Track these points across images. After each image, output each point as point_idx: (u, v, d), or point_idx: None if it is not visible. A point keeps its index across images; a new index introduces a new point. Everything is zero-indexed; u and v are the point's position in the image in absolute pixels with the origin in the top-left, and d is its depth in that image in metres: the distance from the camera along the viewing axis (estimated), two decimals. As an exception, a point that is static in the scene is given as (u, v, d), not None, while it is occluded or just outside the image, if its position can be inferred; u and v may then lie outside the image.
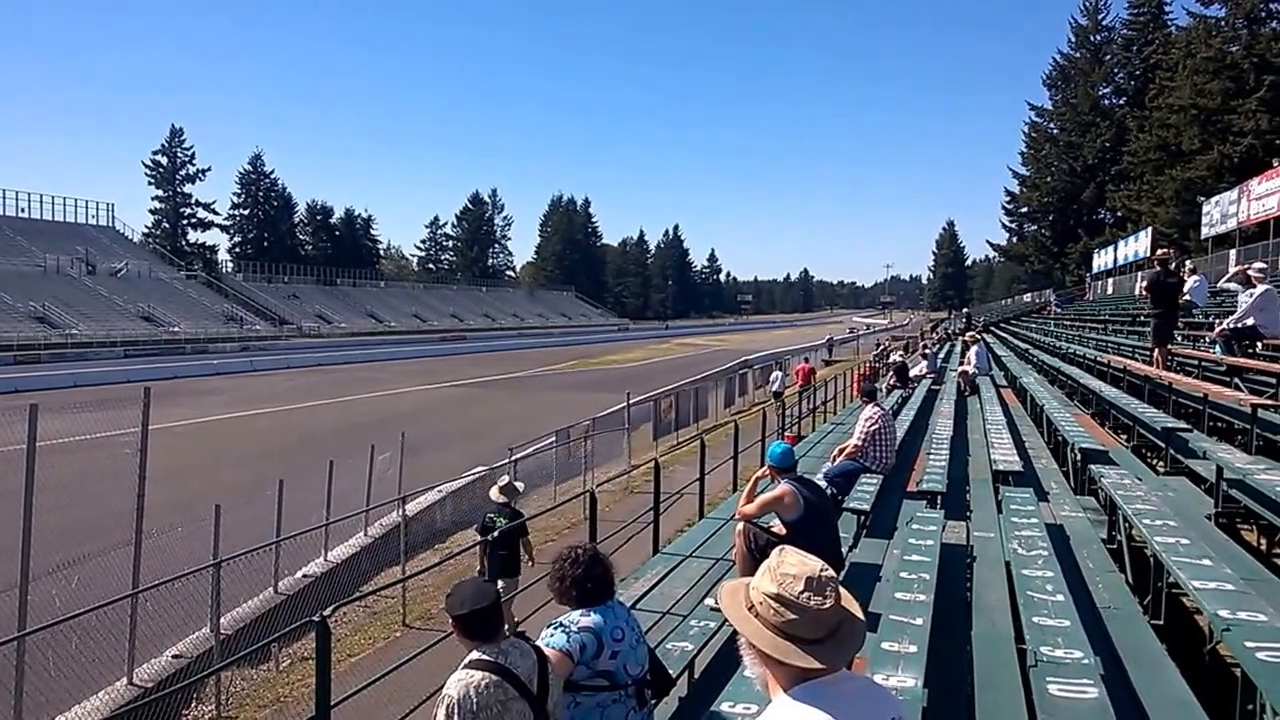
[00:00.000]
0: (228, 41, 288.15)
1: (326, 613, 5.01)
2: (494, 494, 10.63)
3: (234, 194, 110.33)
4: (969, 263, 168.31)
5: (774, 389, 32.21)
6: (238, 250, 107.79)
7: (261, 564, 11.34)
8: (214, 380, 46.01)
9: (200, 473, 18.62)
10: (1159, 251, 13.96)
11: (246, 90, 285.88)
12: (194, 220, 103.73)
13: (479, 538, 10.22)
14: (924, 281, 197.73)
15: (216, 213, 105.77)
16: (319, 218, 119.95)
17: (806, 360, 38.06)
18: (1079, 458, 9.53)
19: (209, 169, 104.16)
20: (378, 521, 14.87)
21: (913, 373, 22.64)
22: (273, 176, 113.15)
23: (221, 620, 9.92)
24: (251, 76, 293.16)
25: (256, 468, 18.38)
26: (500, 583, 9.27)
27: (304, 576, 12.75)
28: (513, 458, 16.06)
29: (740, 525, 6.20)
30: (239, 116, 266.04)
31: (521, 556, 10.20)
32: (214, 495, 10.86)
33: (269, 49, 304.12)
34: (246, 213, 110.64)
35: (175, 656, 9.71)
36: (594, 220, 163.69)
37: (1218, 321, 12.73)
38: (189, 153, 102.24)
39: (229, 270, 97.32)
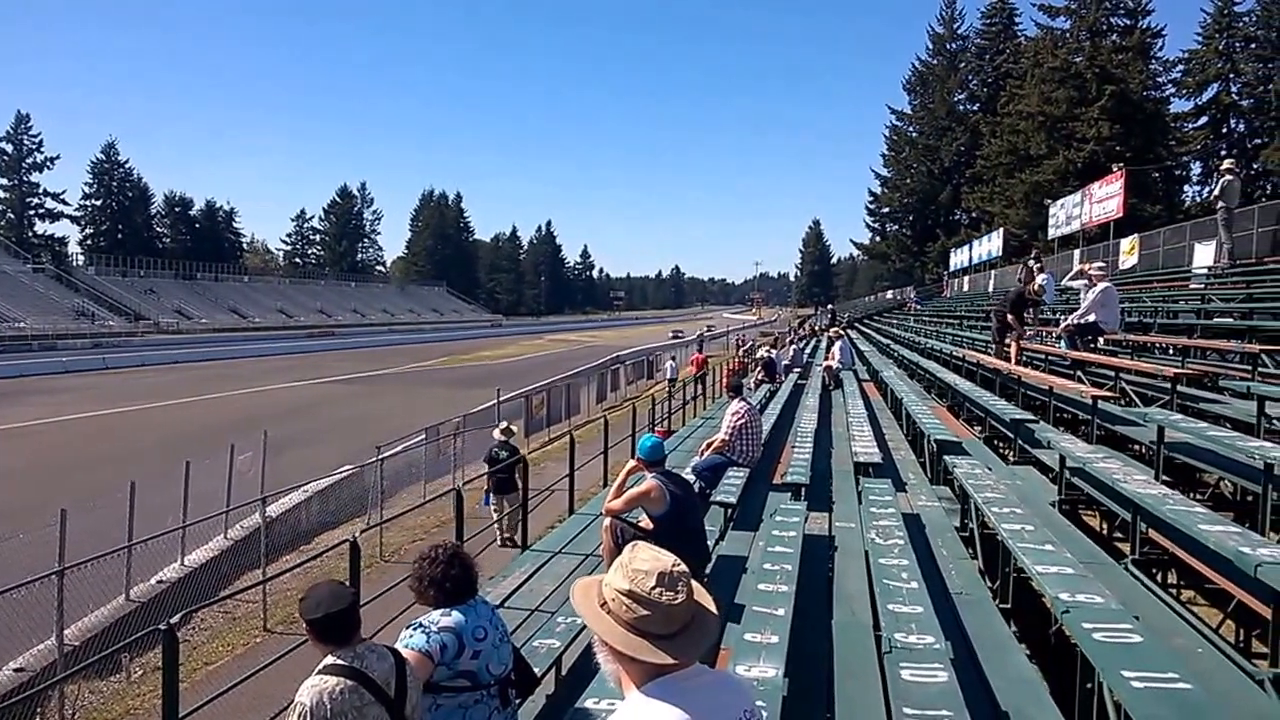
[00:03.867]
0: (81, 32, 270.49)
1: (174, 620, 4.76)
2: (496, 434, 13.82)
3: (85, 184, 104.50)
4: (834, 260, 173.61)
5: (669, 376, 35.06)
6: (90, 242, 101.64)
7: (113, 570, 10.77)
8: (63, 379, 43.68)
9: (46, 476, 17.58)
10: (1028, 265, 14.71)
11: (99, 81, 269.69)
12: (42, 211, 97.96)
13: (486, 467, 13.38)
14: (792, 278, 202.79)
15: (66, 203, 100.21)
16: (178, 209, 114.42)
17: (700, 350, 40.10)
18: (935, 449, 9.89)
19: (58, 157, 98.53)
20: (239, 524, 14.29)
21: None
22: (127, 166, 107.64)
23: (68, 631, 9.44)
24: (105, 67, 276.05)
25: (108, 470, 17.42)
26: (504, 499, 12.86)
27: (159, 582, 12.17)
28: (380, 456, 15.66)
29: (607, 521, 6.20)
30: (92, 106, 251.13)
31: (516, 481, 12.48)
32: (61, 499, 10.25)
33: (125, 41, 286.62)
34: (99, 203, 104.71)
35: (17, 670, 9.23)
36: (466, 215, 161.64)
37: (1062, 317, 13.42)
38: (36, 140, 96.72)
39: (80, 263, 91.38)
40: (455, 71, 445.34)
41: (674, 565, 1.85)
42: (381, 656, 3.19)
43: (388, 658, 3.21)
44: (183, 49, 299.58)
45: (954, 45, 75.41)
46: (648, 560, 1.85)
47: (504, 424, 14.36)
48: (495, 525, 12.62)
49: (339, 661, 3.11)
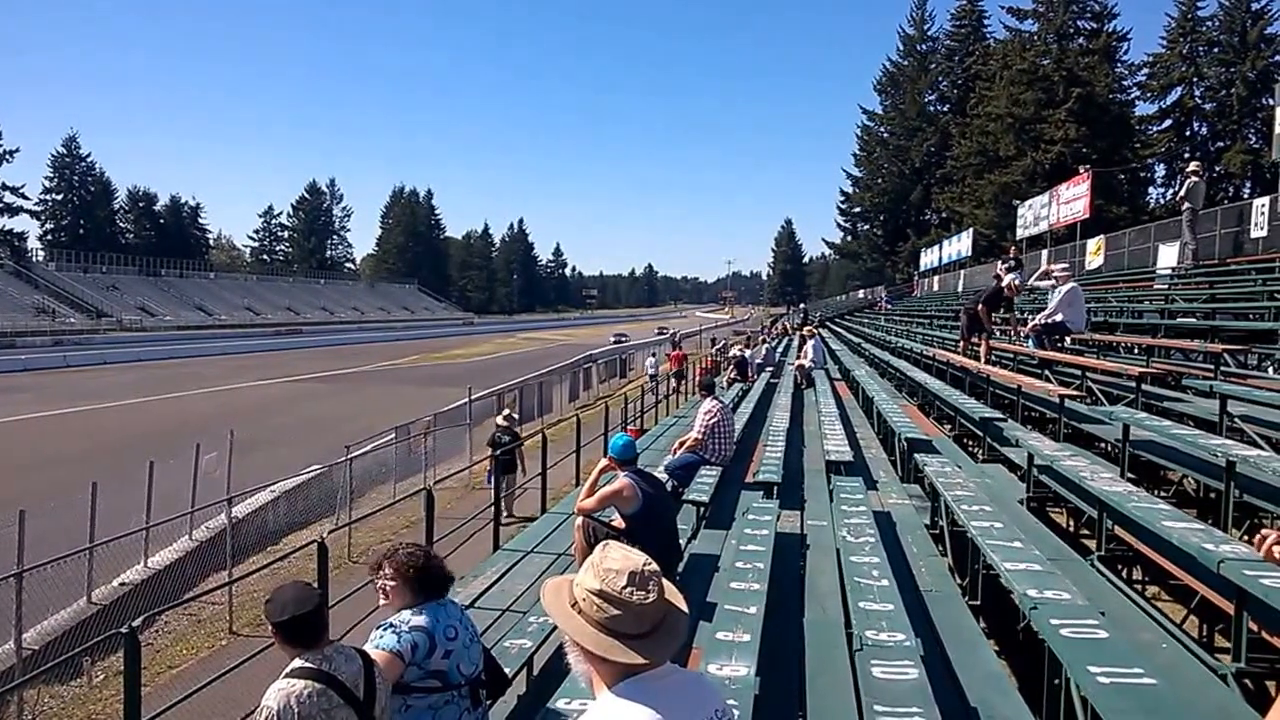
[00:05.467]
0: (41, 23, 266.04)
1: (136, 623, 4.69)
2: (498, 420, 15.44)
3: (46, 178, 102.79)
4: (807, 260, 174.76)
5: (650, 372, 36.12)
6: (50, 238, 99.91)
7: (74, 573, 10.55)
8: (22, 377, 43.00)
9: (4, 477, 17.21)
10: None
11: (60, 73, 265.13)
12: (0, 205, 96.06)
13: (489, 450, 14.22)
14: (764, 277, 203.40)
15: (26, 197, 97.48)
16: (142, 205, 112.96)
17: (678, 348, 40.42)
18: (906, 447, 9.96)
19: (17, 150, 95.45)
20: (204, 525, 14.07)
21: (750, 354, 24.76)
22: (89, 160, 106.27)
23: (27, 634, 9.26)
24: (65, 57, 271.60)
25: (68, 470, 17.15)
26: (506, 479, 13.18)
27: (121, 585, 11.90)
28: (349, 456, 15.53)
29: (579, 520, 6.19)
30: (53, 98, 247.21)
31: (517, 463, 14.10)
32: (20, 501, 10.05)
33: (86, 33, 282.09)
34: (60, 198, 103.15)
35: (-26, 674, 8.99)
36: (437, 212, 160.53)
37: (1030, 317, 13.57)
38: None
39: (40, 259, 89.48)
40: (425, 67, 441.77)
41: (645, 565, 1.85)
42: (349, 658, 3.15)
43: (356, 659, 3.16)
44: (146, 41, 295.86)
45: (924, 47, 75.98)
46: (619, 560, 1.85)
47: (505, 410, 16.30)
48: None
49: (306, 664, 3.06)
